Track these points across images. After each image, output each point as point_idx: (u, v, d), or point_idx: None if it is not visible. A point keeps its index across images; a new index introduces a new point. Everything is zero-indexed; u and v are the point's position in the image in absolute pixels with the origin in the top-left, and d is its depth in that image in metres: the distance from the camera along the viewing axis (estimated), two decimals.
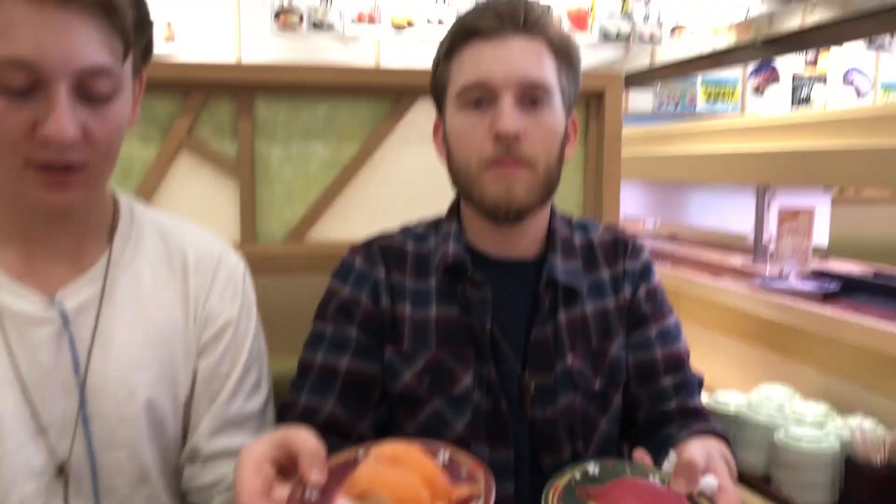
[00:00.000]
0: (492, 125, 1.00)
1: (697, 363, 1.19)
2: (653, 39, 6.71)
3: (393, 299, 1.08)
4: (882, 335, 1.45)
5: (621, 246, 1.17)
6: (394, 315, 1.08)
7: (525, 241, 1.11)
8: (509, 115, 0.99)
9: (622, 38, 6.72)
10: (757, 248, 2.30)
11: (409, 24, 6.29)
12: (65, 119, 0.78)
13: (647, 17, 6.80)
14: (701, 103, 7.07)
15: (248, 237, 1.47)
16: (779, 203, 2.16)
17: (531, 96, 1.02)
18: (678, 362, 1.14)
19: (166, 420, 0.95)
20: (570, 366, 1.07)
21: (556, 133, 1.05)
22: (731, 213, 2.36)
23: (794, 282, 1.95)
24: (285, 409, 1.05)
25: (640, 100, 6.79)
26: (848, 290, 1.92)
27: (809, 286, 1.92)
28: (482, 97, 1.02)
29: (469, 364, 1.05)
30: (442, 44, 1.08)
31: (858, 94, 7.45)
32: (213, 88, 1.44)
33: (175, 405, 0.96)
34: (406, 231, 1.16)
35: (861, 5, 2.07)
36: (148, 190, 1.42)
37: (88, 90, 0.80)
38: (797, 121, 2.02)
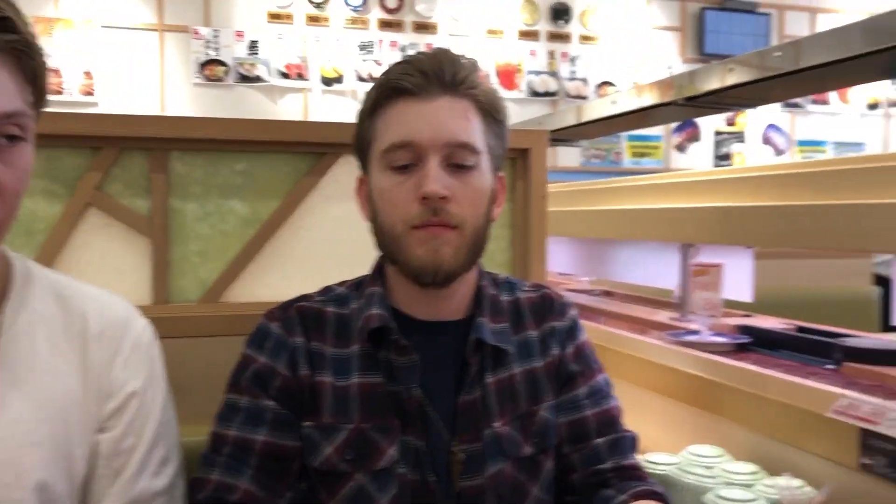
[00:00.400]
0: (418, 187, 0.97)
1: (628, 422, 1.16)
2: (579, 96, 6.89)
3: (312, 368, 1.03)
4: (803, 391, 1.45)
5: (548, 304, 1.15)
6: (313, 385, 1.02)
7: (452, 304, 1.07)
8: (435, 178, 0.97)
9: (550, 96, 6.87)
10: (684, 304, 2.32)
11: (337, 78, 6.30)
12: None
13: (573, 75, 6.98)
14: (627, 159, 7.26)
15: (161, 298, 1.39)
16: (694, 258, 2.21)
17: (458, 157, 0.99)
18: (610, 420, 1.12)
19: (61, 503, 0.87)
20: (499, 431, 1.03)
21: (483, 194, 1.03)
22: (661, 269, 2.37)
23: (707, 336, 1.99)
24: (196, 485, 0.98)
25: (568, 155, 6.92)
26: (765, 344, 1.94)
27: (721, 340, 1.97)
28: (409, 159, 0.99)
29: (394, 435, 1.00)
30: (366, 99, 1.05)
31: (777, 151, 7.77)
32: (126, 142, 1.37)
33: (71, 486, 0.88)
34: (327, 293, 1.11)
35: (777, 68, 2.14)
36: (52, 249, 1.34)
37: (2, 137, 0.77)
38: (718, 177, 2.05)
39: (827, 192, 1.64)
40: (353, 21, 6.38)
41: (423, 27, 6.60)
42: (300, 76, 6.20)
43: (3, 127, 0.77)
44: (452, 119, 0.99)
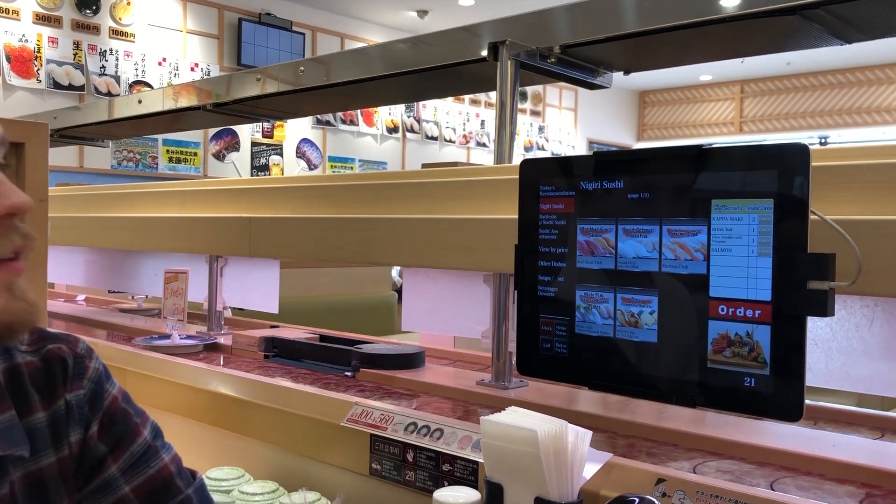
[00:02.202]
0: None
1: None
2: (110, 94, 6.41)
3: None
4: (319, 402, 1.46)
5: (57, 368, 0.86)
6: None
7: None
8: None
9: (76, 90, 6.27)
10: (211, 316, 2.25)
11: None
12: None
13: (103, 71, 6.47)
14: (163, 164, 6.96)
15: None
16: (166, 266, 2.25)
17: None
18: (160, 486, 0.91)
19: None
20: None
21: None
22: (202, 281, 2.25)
23: (176, 340, 2.04)
24: None
25: (97, 156, 6.40)
26: (290, 355, 1.96)
27: (189, 342, 2.04)
28: None
29: None
30: None
31: (310, 165, 8.15)
32: None
33: None
34: None
35: (304, 83, 2.19)
36: None
37: None
38: (242, 187, 2.02)
39: (345, 206, 1.70)
40: None
41: None
42: None
43: None
44: None
